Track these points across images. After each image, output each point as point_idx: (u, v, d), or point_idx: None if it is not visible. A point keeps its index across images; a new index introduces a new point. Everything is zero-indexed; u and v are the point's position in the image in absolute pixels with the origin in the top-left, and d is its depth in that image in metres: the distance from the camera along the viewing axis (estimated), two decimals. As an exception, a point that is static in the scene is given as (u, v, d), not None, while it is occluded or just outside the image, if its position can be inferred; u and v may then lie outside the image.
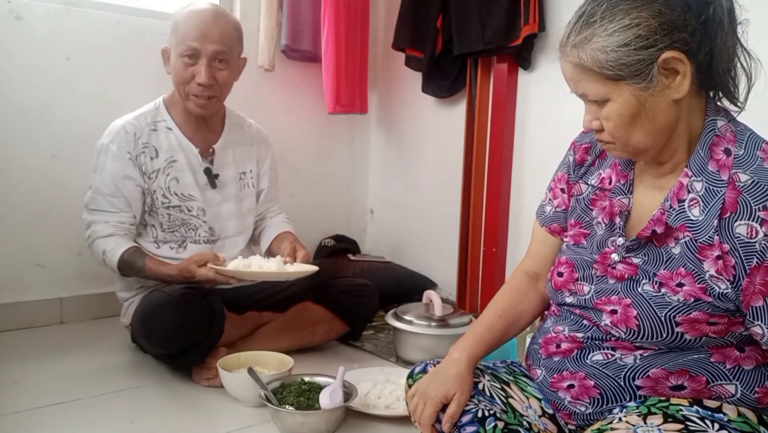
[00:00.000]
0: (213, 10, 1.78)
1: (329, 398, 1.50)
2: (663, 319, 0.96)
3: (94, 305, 2.27)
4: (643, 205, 1.05)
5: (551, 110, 2.27)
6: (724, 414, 0.95)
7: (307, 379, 1.61)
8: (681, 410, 0.97)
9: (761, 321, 0.92)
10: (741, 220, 0.90)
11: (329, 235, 2.94)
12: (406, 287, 2.60)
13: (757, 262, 0.89)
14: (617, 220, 1.05)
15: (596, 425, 1.03)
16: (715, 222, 0.92)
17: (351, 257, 2.84)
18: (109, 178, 1.78)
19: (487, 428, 1.04)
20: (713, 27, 0.92)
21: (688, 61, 0.91)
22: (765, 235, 0.88)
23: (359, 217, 3.14)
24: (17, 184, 2.15)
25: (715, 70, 0.95)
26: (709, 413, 0.95)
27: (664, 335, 0.96)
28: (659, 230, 0.98)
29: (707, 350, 0.98)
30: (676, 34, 0.90)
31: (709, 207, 0.93)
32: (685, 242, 0.96)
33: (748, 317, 0.93)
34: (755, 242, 0.89)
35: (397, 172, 3.00)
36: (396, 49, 2.71)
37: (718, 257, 0.93)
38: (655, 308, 0.97)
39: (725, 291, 0.93)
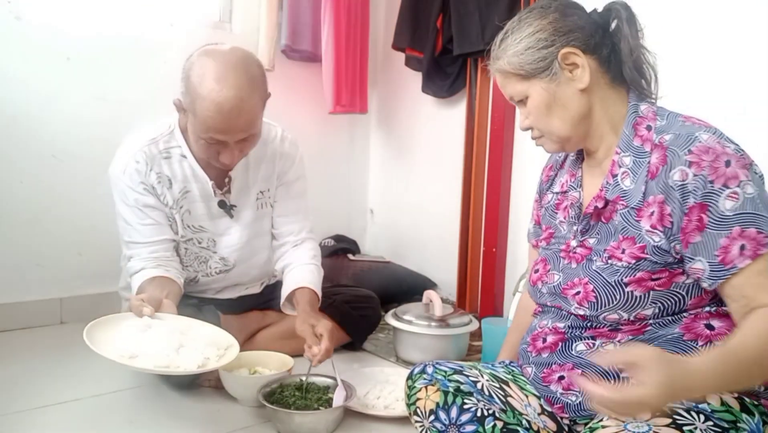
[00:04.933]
0: (237, 100, 1.48)
1: (336, 397, 1.52)
2: (613, 284, 1.05)
3: (94, 305, 2.26)
4: (592, 194, 1.13)
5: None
6: (708, 404, 0.98)
7: (306, 379, 1.61)
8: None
9: (701, 255, 0.98)
10: (674, 168, 0.99)
11: (329, 235, 2.95)
12: (406, 287, 2.60)
13: (693, 201, 0.98)
14: (570, 212, 1.16)
15: (588, 424, 1.04)
16: (643, 187, 1.03)
17: (351, 257, 2.84)
18: (134, 205, 1.66)
19: (486, 427, 1.07)
20: (616, 34, 1.09)
21: (584, 55, 1.07)
22: (694, 175, 0.97)
23: (359, 217, 3.14)
24: (17, 184, 2.15)
25: (625, 69, 1.10)
26: (694, 404, 0.98)
27: (618, 298, 1.05)
28: (599, 204, 1.09)
29: (679, 330, 1.04)
30: (572, 35, 1.08)
31: (637, 176, 1.05)
32: (622, 212, 1.06)
33: (688, 255, 1.00)
34: (687, 183, 0.98)
35: (397, 173, 3.00)
36: (396, 49, 2.72)
37: (652, 213, 1.02)
38: (606, 277, 1.06)
39: (659, 243, 1.02)
